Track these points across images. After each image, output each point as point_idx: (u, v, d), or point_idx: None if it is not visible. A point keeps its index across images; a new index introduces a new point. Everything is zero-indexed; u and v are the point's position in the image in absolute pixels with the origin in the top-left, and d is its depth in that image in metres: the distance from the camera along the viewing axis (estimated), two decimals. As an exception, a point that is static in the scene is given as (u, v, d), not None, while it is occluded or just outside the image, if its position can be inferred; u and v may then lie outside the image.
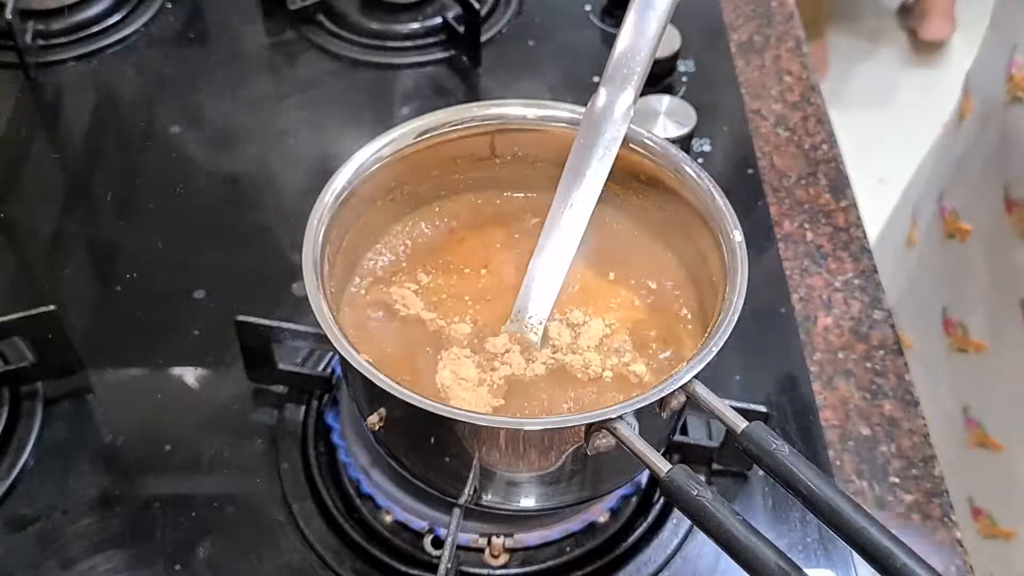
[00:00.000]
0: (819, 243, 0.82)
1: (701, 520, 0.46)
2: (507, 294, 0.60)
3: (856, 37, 2.52)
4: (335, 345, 0.51)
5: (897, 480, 0.69)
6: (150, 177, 0.86)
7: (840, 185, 0.87)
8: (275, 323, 0.66)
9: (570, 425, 0.50)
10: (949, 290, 1.05)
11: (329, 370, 0.70)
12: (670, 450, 0.67)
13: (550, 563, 0.63)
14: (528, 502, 0.58)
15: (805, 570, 0.44)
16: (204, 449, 0.68)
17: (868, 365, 0.75)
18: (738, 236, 0.56)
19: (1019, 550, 1.06)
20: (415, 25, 0.97)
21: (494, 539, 0.63)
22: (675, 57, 0.90)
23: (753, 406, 0.63)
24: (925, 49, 2.48)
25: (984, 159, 0.98)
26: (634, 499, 0.66)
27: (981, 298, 1.01)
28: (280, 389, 0.70)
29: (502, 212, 0.65)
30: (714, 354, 0.51)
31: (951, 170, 1.05)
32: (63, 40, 0.95)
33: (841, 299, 0.79)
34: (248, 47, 0.96)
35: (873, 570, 0.45)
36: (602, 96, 0.59)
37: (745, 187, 0.85)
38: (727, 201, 0.57)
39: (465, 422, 0.50)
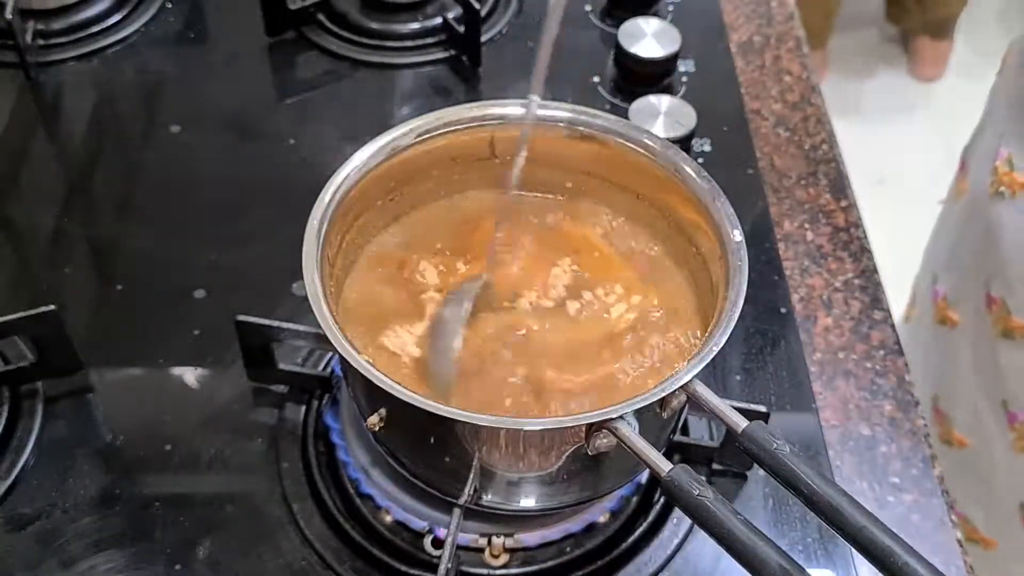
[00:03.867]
0: (819, 243, 0.82)
1: (702, 520, 0.46)
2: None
3: (858, 47, 2.51)
4: (335, 345, 0.51)
5: (897, 480, 0.69)
6: (150, 177, 0.85)
7: (840, 185, 0.87)
8: (275, 323, 0.66)
9: (570, 425, 0.50)
10: (938, 378, 1.03)
11: (329, 370, 0.70)
12: (670, 450, 0.67)
13: (550, 563, 0.63)
14: (528, 502, 0.58)
15: (806, 570, 0.44)
16: (204, 449, 0.68)
17: (868, 365, 0.75)
18: (738, 236, 0.56)
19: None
20: (415, 25, 0.97)
21: (494, 539, 0.63)
22: (675, 57, 0.90)
23: (753, 406, 0.63)
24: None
25: (971, 249, 0.95)
26: (634, 499, 0.66)
27: (966, 392, 0.99)
28: (280, 389, 0.70)
29: (501, 212, 0.65)
30: (714, 354, 0.51)
31: (945, 253, 1.03)
32: (63, 40, 0.94)
33: (841, 299, 0.79)
34: (248, 47, 0.96)
35: (874, 569, 0.45)
36: None
37: (745, 187, 0.85)
38: (727, 201, 0.57)
39: (465, 422, 0.50)
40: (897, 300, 0.84)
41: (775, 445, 0.48)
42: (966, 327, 0.97)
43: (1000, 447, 0.95)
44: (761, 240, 0.81)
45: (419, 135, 0.61)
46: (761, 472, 0.61)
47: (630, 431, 0.49)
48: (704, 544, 0.64)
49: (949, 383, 1.01)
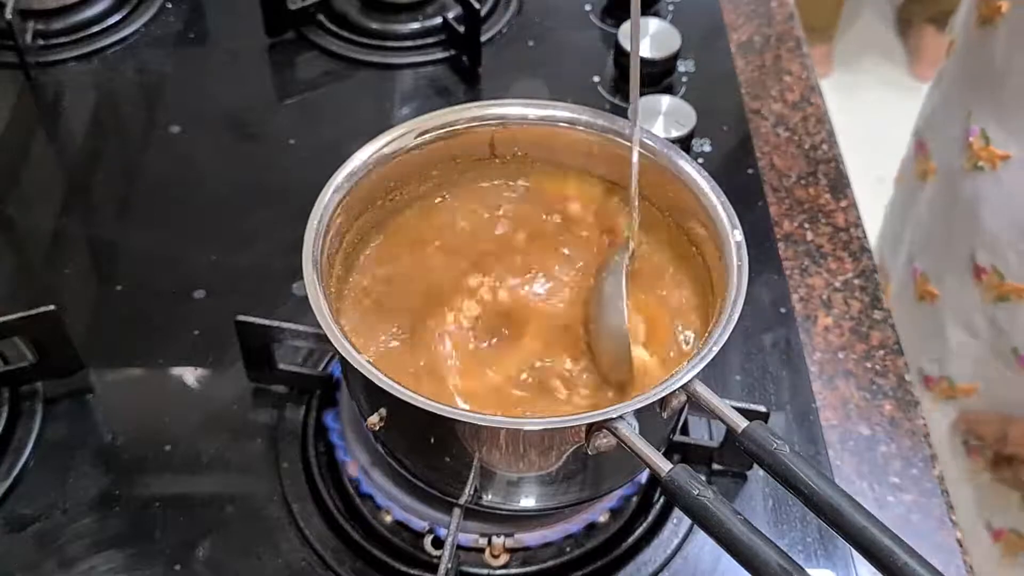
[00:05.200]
0: (819, 243, 0.82)
1: (702, 520, 0.46)
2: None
3: (861, 43, 2.51)
4: (335, 345, 0.51)
5: (897, 480, 0.69)
6: (150, 177, 0.86)
7: (840, 185, 0.87)
8: (275, 323, 0.66)
9: (570, 425, 0.50)
10: (924, 351, 1.06)
11: (329, 370, 0.70)
12: (670, 450, 0.67)
13: (550, 563, 0.63)
14: (528, 502, 0.58)
15: (806, 569, 0.44)
16: (204, 449, 0.68)
17: (868, 365, 0.75)
18: (738, 236, 0.56)
19: None
20: (415, 25, 0.97)
21: (494, 539, 0.63)
22: (675, 57, 0.90)
23: (753, 406, 0.63)
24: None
25: (949, 226, 0.98)
26: (634, 499, 0.66)
27: (954, 359, 1.02)
28: (280, 389, 0.70)
29: (501, 212, 0.65)
30: (714, 354, 0.51)
31: (919, 232, 1.05)
32: (63, 40, 0.94)
33: (841, 299, 0.79)
34: (248, 47, 0.96)
35: (874, 569, 0.45)
36: None
37: (745, 187, 0.85)
38: (727, 201, 0.57)
39: (465, 422, 0.50)
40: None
41: (775, 445, 0.48)
42: (948, 300, 1.00)
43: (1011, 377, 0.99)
44: (761, 240, 0.81)
45: (419, 135, 0.61)
46: (761, 472, 0.61)
47: (630, 431, 0.49)
48: (704, 544, 0.64)
49: (935, 352, 1.04)
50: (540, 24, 0.99)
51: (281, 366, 0.69)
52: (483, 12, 0.95)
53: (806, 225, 0.84)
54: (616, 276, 0.58)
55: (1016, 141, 0.87)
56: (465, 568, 0.62)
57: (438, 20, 0.96)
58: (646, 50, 0.89)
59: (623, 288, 0.57)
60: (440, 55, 0.95)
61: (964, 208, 0.94)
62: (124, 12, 0.97)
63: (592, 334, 0.58)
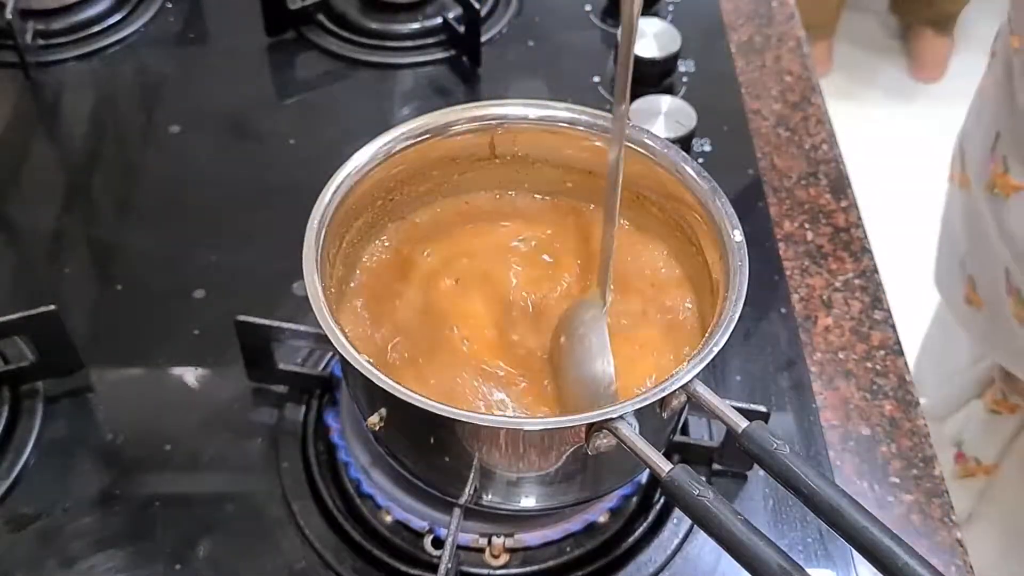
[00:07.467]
0: (819, 243, 0.82)
1: (702, 520, 0.46)
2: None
3: (859, 42, 2.51)
4: (335, 345, 0.51)
5: (897, 480, 0.69)
6: (150, 177, 0.86)
7: (840, 185, 0.87)
8: (275, 323, 0.66)
9: (570, 425, 0.50)
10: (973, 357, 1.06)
11: (329, 370, 0.70)
12: (670, 450, 0.67)
13: (550, 563, 0.63)
14: (528, 502, 0.58)
15: (806, 569, 0.44)
16: (204, 449, 0.68)
17: (868, 365, 0.75)
18: (738, 236, 0.56)
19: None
20: (415, 25, 0.97)
21: (494, 539, 0.63)
22: (675, 57, 0.90)
23: (753, 406, 0.63)
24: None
25: (986, 238, 0.98)
26: (634, 499, 0.66)
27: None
28: (280, 389, 0.70)
29: (502, 212, 0.65)
30: (714, 354, 0.51)
31: (966, 238, 1.04)
32: (63, 40, 0.95)
33: (841, 299, 0.79)
34: (248, 47, 0.96)
35: (874, 569, 0.45)
36: None
37: (745, 187, 0.85)
38: (727, 201, 0.57)
39: (465, 422, 0.50)
40: (897, 299, 0.84)
41: (775, 445, 0.48)
42: (991, 309, 0.99)
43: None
44: (761, 240, 0.81)
45: (419, 135, 0.61)
46: (761, 472, 0.61)
47: (630, 431, 0.49)
48: (704, 544, 0.64)
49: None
50: (540, 24, 0.99)
51: (281, 366, 0.69)
52: (483, 12, 0.95)
53: (806, 225, 0.84)
54: (599, 334, 0.56)
55: None
56: (465, 568, 0.62)
57: (438, 20, 0.96)
58: (646, 50, 0.89)
59: (607, 344, 0.55)
60: (440, 55, 0.95)
61: (994, 226, 0.94)
62: (124, 12, 0.97)
63: (566, 382, 0.57)
